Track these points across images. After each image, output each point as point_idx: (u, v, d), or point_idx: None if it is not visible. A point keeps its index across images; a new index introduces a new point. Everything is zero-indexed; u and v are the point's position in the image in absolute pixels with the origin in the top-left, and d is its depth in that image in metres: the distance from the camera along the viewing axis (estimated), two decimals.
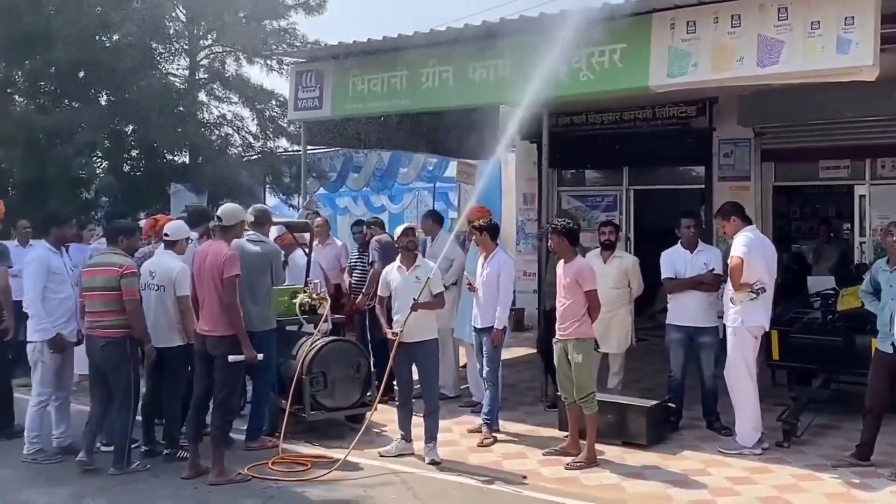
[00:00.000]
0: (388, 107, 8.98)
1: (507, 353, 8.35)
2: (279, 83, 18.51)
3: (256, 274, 6.79)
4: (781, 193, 11.92)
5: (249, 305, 6.58)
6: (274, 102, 15.86)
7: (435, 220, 8.88)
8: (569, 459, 6.45)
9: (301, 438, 7.10)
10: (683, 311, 7.29)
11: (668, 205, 10.45)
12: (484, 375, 7.30)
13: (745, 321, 6.58)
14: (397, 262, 6.77)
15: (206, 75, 16.21)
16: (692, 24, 6.72)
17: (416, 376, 6.74)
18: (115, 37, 14.83)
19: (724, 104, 10.64)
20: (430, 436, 6.58)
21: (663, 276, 7.43)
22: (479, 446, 6.98)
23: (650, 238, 11.35)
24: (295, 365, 7.07)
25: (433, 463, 6.47)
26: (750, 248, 6.55)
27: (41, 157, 14.15)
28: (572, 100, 8.69)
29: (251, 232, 6.99)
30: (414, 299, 6.42)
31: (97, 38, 14.83)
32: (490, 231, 7.38)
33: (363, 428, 6.77)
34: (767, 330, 6.84)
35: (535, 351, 8.89)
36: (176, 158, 16.10)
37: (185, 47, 15.80)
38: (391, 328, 6.60)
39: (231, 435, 6.44)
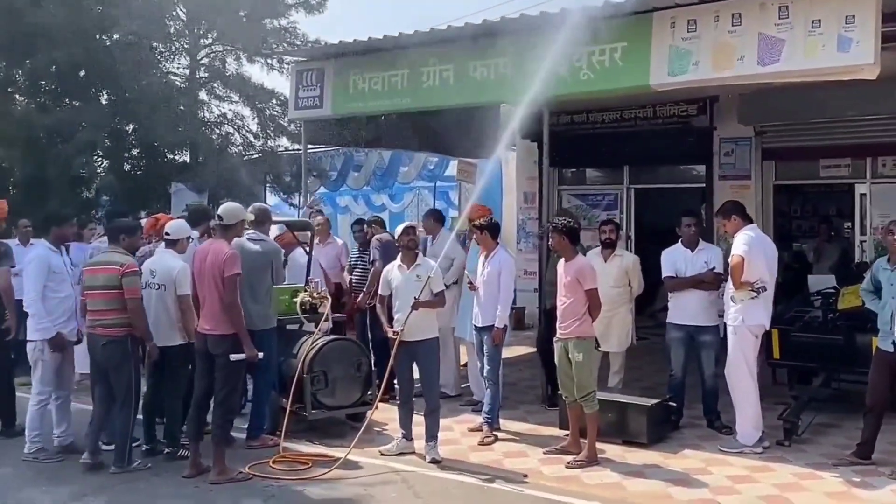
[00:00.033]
0: (388, 106, 8.98)
1: (507, 352, 8.36)
2: (280, 82, 18.51)
3: (257, 273, 6.80)
4: (782, 192, 11.93)
5: (250, 304, 6.58)
6: (274, 101, 15.83)
7: (436, 219, 8.89)
8: (570, 458, 6.46)
9: (302, 437, 7.10)
10: (684, 309, 7.29)
11: (669, 203, 10.45)
12: (485, 374, 7.31)
13: (745, 320, 6.58)
14: (398, 261, 6.78)
15: (206, 74, 16.19)
16: (693, 22, 6.72)
17: (416, 375, 6.75)
18: (116, 36, 14.82)
19: (724, 103, 10.64)
20: (431, 434, 6.59)
21: (664, 274, 7.43)
22: (479, 445, 6.98)
23: (651, 237, 11.37)
24: (296, 364, 7.07)
25: (434, 461, 6.47)
26: (751, 246, 6.55)
27: (42, 156, 14.13)
28: (573, 98, 8.69)
29: (251, 231, 7.00)
30: (415, 298, 6.43)
31: (98, 37, 14.82)
32: (491, 230, 7.39)
33: (364, 426, 6.78)
34: (768, 329, 6.84)
35: (535, 350, 8.88)
36: (176, 157, 16.08)
37: (186, 46, 15.78)
38: (392, 327, 6.60)
39: (232, 434, 6.46)
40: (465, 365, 8.60)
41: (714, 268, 7.24)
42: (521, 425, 7.52)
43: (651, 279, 8.23)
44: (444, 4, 18.76)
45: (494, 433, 7.17)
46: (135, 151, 16.16)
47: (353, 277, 9.03)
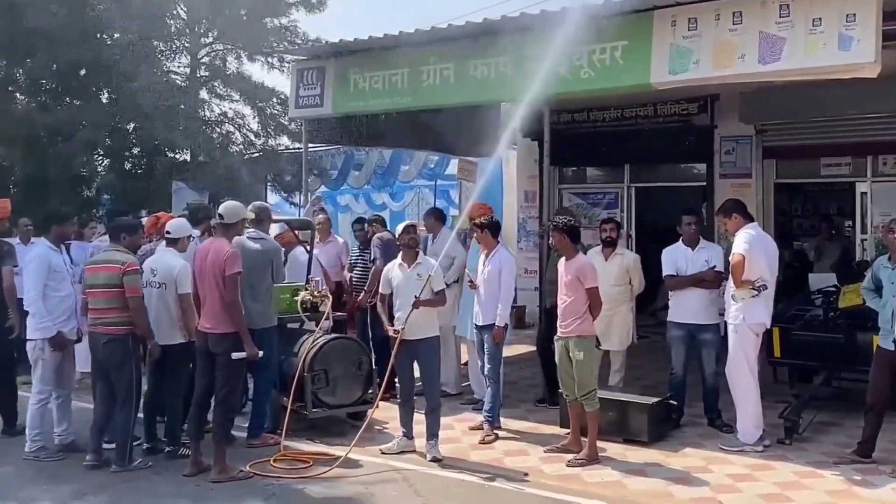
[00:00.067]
0: (389, 104, 8.96)
1: (508, 351, 8.36)
2: (280, 81, 18.51)
3: (257, 271, 6.80)
4: (783, 190, 11.92)
5: (250, 303, 6.58)
6: (275, 100, 15.86)
7: (437, 217, 8.89)
8: (570, 456, 6.46)
9: (302, 436, 7.10)
10: (685, 308, 7.29)
11: (670, 202, 10.44)
12: (485, 373, 7.31)
13: (746, 318, 6.58)
14: (399, 260, 6.78)
15: (207, 73, 16.21)
16: (693, 21, 6.71)
17: (417, 374, 6.75)
18: (116, 35, 14.82)
19: (725, 101, 10.63)
20: (432, 433, 6.59)
21: (664, 273, 7.43)
22: (480, 443, 6.98)
23: (651, 235, 11.36)
24: (296, 362, 7.07)
25: (435, 460, 6.48)
26: (751, 245, 6.55)
27: (42, 155, 14.17)
28: (574, 97, 8.69)
29: (251, 229, 7.00)
30: (415, 297, 6.43)
31: (98, 36, 14.83)
32: (491, 228, 7.39)
33: (364, 425, 6.78)
34: (769, 327, 6.84)
35: (535, 348, 8.88)
36: (177, 156, 16.11)
37: (186, 45, 15.80)
38: (392, 325, 6.61)
39: (233, 432, 6.46)
40: (466, 363, 8.60)
41: (715, 266, 7.23)
42: (521, 424, 7.51)
43: (652, 278, 8.23)
44: (444, 3, 18.77)
45: (495, 431, 7.17)
46: (135, 150, 16.19)
47: (353, 276, 9.03)
